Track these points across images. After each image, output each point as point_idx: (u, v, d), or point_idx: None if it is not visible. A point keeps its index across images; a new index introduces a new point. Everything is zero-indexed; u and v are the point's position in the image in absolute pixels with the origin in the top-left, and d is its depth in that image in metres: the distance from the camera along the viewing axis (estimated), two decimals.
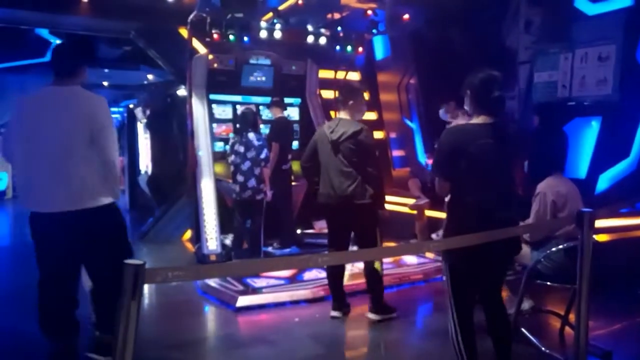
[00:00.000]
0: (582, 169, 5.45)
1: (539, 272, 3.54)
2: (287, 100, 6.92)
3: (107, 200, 3.08)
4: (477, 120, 2.83)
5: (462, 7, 6.79)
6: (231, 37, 5.90)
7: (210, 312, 4.50)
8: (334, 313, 4.15)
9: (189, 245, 6.81)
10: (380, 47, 8.46)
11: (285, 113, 6.70)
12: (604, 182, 5.33)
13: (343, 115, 4.02)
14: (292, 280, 4.95)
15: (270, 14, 6.34)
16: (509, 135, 2.89)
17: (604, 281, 4.75)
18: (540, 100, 5.95)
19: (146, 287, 4.84)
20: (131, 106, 10.87)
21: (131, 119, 10.25)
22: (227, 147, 5.90)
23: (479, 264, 2.69)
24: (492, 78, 2.79)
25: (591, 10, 5.44)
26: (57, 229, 2.98)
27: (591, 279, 2.87)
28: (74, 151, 2.95)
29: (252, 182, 5.23)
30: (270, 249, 6.37)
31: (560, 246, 3.46)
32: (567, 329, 3.77)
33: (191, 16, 5.91)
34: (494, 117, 2.81)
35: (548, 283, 3.56)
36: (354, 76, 8.51)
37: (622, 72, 5.13)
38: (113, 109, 14.07)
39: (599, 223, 5.05)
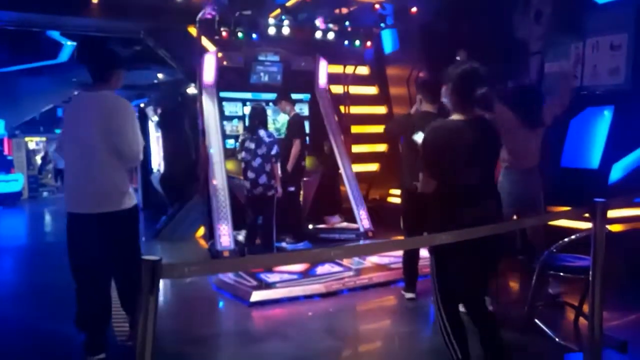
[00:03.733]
0: (595, 158, 5.40)
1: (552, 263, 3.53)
2: (297, 96, 6.95)
3: (132, 203, 3.27)
4: (458, 117, 2.70)
5: None
6: (239, 34, 5.93)
7: (225, 308, 4.55)
8: (409, 295, 4.41)
9: (203, 242, 6.88)
10: (389, 41, 8.44)
11: (297, 108, 6.75)
12: (617, 171, 5.28)
13: (428, 108, 4.21)
14: (305, 274, 4.99)
15: (278, 11, 6.35)
16: (491, 131, 2.79)
17: (618, 271, 4.76)
18: (551, 90, 5.89)
19: (165, 282, 4.97)
20: (142, 105, 10.95)
21: (142, 118, 10.32)
22: (237, 144, 5.96)
23: (467, 257, 2.64)
24: (474, 72, 2.64)
25: None
26: (87, 229, 3.15)
27: (604, 269, 2.86)
28: (98, 155, 3.12)
29: (263, 179, 5.26)
30: (283, 244, 6.42)
31: (573, 237, 3.44)
32: (582, 319, 3.75)
33: (199, 15, 5.94)
34: (474, 113, 2.72)
35: (561, 274, 3.56)
36: (364, 70, 8.52)
37: (635, 60, 5.07)
38: None
39: (613, 213, 5.05)
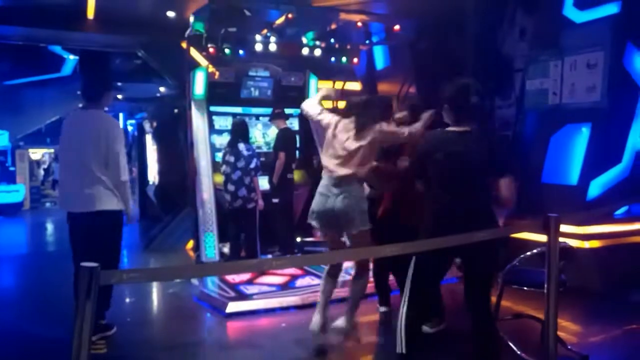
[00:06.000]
0: (573, 175, 5.45)
1: (515, 276, 3.59)
2: (287, 111, 7.07)
3: (110, 207, 3.73)
4: (457, 128, 2.93)
5: (459, 15, 6.87)
6: (227, 50, 6.08)
7: (201, 318, 4.63)
8: (382, 308, 4.39)
9: (192, 254, 6.97)
10: (380, 57, 8.58)
11: (287, 123, 6.87)
12: (595, 188, 5.32)
13: None
14: (283, 287, 5.06)
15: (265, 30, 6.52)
16: (486, 144, 2.95)
17: (594, 287, 4.79)
18: (532, 107, 5.98)
19: (148, 293, 5.07)
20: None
21: (140, 131, 10.53)
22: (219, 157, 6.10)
23: (443, 262, 2.87)
24: (467, 85, 2.93)
25: (579, 18, 5.47)
26: (77, 224, 3.72)
27: (558, 281, 2.92)
28: (87, 165, 3.67)
29: (243, 192, 5.37)
30: (270, 256, 6.49)
31: (535, 250, 3.50)
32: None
33: (188, 31, 6.12)
34: (471, 125, 2.92)
35: (525, 288, 3.60)
36: (356, 86, 8.66)
37: (610, 78, 5.15)
38: (130, 121, 14.46)
39: (592, 229, 5.10)
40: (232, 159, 5.37)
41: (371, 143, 3.48)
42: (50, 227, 11.51)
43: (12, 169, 13.14)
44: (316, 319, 3.75)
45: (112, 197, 3.74)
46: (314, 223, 3.67)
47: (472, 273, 2.99)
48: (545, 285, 2.95)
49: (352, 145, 3.47)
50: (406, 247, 2.84)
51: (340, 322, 3.82)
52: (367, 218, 3.57)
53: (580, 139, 5.39)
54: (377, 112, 3.59)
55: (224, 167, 5.45)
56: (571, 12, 5.50)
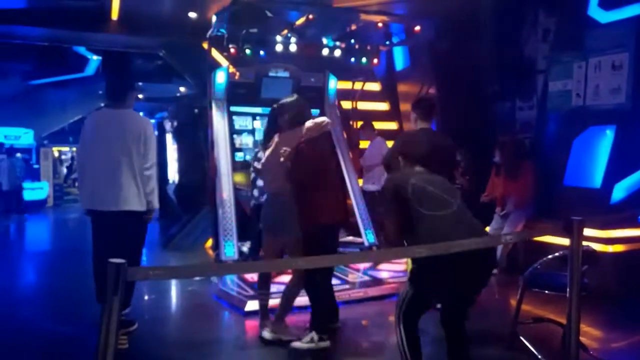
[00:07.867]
0: (597, 178, 5.37)
1: (537, 279, 3.55)
2: None
3: (139, 207, 3.79)
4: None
5: (480, 16, 6.82)
6: (247, 51, 6.13)
7: (220, 316, 4.67)
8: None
9: (211, 252, 7.03)
10: (400, 58, 8.55)
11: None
12: (619, 191, 5.23)
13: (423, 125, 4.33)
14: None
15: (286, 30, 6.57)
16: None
17: (618, 292, 4.71)
18: (554, 109, 5.91)
19: (167, 291, 5.12)
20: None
21: (161, 131, 10.67)
22: (249, 157, 6.13)
23: (446, 280, 2.74)
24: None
25: (604, 18, 5.39)
26: (103, 222, 3.73)
27: (580, 286, 2.88)
28: (122, 164, 3.69)
29: None
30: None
31: (558, 254, 3.46)
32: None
33: (209, 32, 6.18)
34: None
35: (546, 292, 3.56)
36: (375, 86, 8.65)
37: (636, 80, 5.07)
38: (150, 121, 14.70)
39: (616, 233, 5.01)
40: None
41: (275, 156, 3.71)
42: (72, 224, 11.73)
43: (36, 166, 13.43)
44: (268, 330, 3.88)
45: (141, 198, 3.78)
46: (264, 234, 3.95)
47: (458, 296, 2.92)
48: (568, 290, 2.91)
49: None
50: (433, 248, 2.81)
51: (293, 339, 3.80)
52: (297, 226, 3.63)
53: (604, 141, 5.30)
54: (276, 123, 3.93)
55: (255, 163, 5.50)
56: (596, 13, 5.42)
